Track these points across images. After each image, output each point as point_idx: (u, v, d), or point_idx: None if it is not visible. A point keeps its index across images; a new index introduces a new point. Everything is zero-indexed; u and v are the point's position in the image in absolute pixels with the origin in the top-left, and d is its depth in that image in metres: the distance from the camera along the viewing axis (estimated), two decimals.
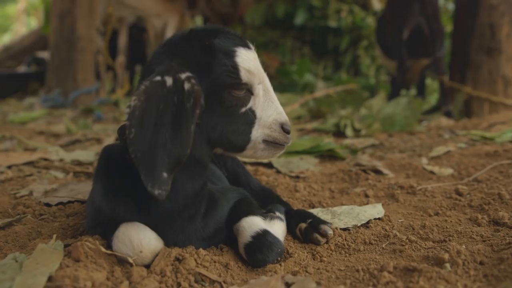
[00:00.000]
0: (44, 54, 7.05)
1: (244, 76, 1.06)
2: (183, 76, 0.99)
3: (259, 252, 1.07)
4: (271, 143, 1.12)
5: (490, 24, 3.90)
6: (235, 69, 1.05)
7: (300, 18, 7.25)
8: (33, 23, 14.08)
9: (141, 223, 1.04)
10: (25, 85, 6.54)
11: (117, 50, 5.77)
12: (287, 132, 1.14)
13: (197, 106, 0.99)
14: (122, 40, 5.74)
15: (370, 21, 7.38)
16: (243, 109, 1.08)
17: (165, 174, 0.94)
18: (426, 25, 4.24)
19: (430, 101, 5.00)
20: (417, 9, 4.21)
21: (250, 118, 1.09)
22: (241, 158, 1.56)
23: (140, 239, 1.02)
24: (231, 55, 1.06)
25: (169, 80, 0.98)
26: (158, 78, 0.97)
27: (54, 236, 1.05)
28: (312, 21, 7.33)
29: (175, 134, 0.96)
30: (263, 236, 1.09)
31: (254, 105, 1.10)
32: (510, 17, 3.87)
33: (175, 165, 0.97)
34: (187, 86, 0.98)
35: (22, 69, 7.36)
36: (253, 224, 1.13)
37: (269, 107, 1.13)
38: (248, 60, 1.08)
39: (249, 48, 1.11)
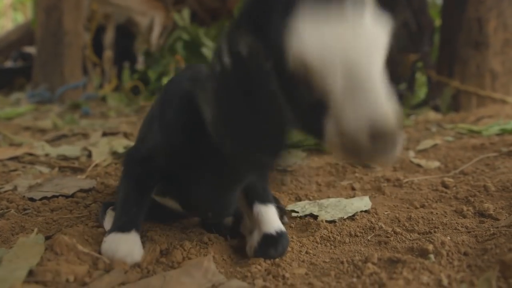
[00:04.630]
0: (31, 49, 6.98)
1: None
2: None
3: (273, 249, 1.04)
4: None
5: (478, 18, 3.91)
6: None
7: None
8: (20, 18, 13.94)
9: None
10: (11, 80, 6.47)
11: (105, 45, 5.73)
12: None
13: None
14: (109, 36, 5.70)
15: None
16: None
17: None
18: (413, 20, 4.23)
19: (419, 95, 5.00)
20: (404, 3, 4.20)
21: None
22: None
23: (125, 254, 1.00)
24: None
25: None
26: None
27: (35, 229, 1.04)
28: None
29: None
30: (283, 235, 1.07)
31: None
32: (497, 11, 3.88)
33: None
34: None
35: (8, 64, 7.29)
36: (274, 217, 1.10)
37: None
38: None
39: None
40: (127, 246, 0.99)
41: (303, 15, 0.71)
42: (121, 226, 1.03)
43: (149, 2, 6.18)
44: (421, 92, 5.24)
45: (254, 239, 1.08)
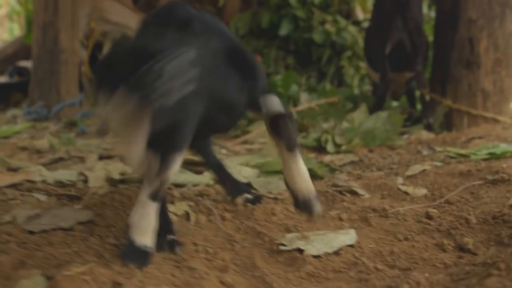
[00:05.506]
0: (27, 63, 7.01)
1: None
2: None
3: None
4: None
5: (469, 38, 3.99)
6: None
7: (284, 29, 7.30)
8: (16, 29, 14.02)
9: None
10: (7, 96, 6.50)
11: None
12: None
13: None
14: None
15: (352, 30, 7.44)
16: None
17: None
18: (408, 40, 4.32)
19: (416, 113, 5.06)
20: (400, 24, 4.29)
21: None
22: None
23: None
24: None
25: None
26: None
27: (35, 271, 1.10)
28: (297, 33, 7.38)
29: None
30: None
31: None
32: (488, 31, 3.97)
33: None
34: None
35: (3, 79, 7.32)
36: None
37: None
38: None
39: None
40: None
41: None
42: None
43: None
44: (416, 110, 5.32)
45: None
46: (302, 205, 1.44)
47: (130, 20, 5.77)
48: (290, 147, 1.41)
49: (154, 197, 1.28)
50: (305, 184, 1.42)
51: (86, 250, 1.35)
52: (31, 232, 1.49)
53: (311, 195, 1.42)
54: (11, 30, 14.69)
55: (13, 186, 2.10)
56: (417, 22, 4.38)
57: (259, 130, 3.88)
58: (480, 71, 3.97)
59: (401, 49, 4.33)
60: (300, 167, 1.42)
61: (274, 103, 1.40)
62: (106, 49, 5.84)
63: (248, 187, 1.95)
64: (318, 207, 1.43)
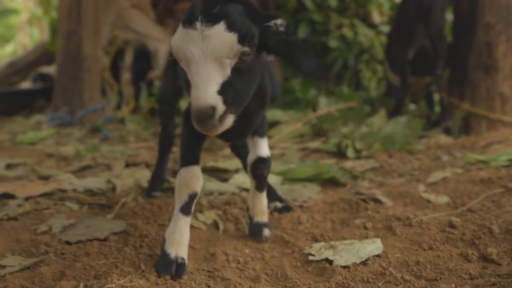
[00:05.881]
0: (49, 69, 7.12)
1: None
2: None
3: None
4: None
5: (487, 42, 4.01)
6: None
7: (301, 33, 7.34)
8: (36, 33, 14.26)
9: None
10: (31, 102, 6.62)
11: (123, 67, 5.88)
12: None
13: None
14: (128, 59, 5.86)
15: (369, 33, 7.45)
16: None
17: None
18: (430, 46, 4.34)
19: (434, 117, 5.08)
20: (422, 30, 4.31)
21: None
22: None
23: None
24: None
25: None
26: None
27: (82, 285, 1.16)
28: (314, 36, 7.42)
29: None
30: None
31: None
32: (507, 36, 3.98)
33: None
34: None
35: (27, 85, 7.44)
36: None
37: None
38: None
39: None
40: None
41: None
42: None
43: (165, 29, 6.35)
44: (434, 114, 5.34)
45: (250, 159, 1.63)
46: (254, 227, 1.69)
47: (151, 30, 5.86)
48: (259, 189, 1.67)
49: (185, 211, 1.40)
50: (262, 213, 1.69)
51: (122, 261, 1.40)
52: (68, 243, 1.55)
53: (264, 222, 1.69)
54: (31, 34, 14.95)
55: (46, 195, 2.17)
56: (439, 28, 4.38)
57: (280, 135, 3.93)
58: (498, 75, 3.98)
59: (422, 54, 4.35)
60: (263, 203, 1.69)
61: (262, 147, 1.63)
62: (127, 56, 5.94)
63: (279, 197, 2.04)
64: (266, 232, 1.67)
